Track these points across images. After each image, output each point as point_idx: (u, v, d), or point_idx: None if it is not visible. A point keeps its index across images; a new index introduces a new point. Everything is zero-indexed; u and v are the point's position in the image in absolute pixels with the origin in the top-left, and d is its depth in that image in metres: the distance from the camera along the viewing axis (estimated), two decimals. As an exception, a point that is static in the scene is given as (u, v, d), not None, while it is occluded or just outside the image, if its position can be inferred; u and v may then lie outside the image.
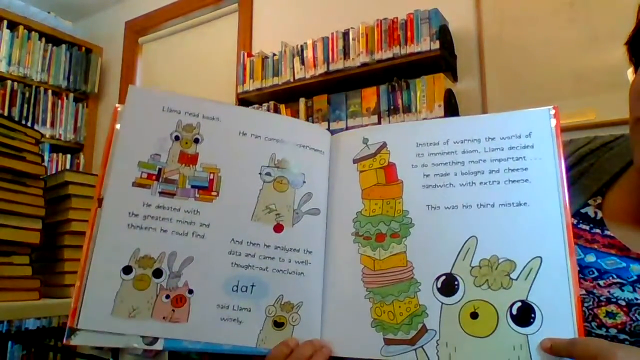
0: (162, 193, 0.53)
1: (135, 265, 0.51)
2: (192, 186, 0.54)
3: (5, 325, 2.34)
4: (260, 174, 0.55)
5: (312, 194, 0.56)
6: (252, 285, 0.52)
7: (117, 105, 0.55)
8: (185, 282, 0.51)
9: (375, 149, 0.56)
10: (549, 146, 0.51)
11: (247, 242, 0.53)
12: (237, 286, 0.52)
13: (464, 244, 0.50)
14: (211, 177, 0.54)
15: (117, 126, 0.54)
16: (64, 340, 0.47)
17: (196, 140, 0.55)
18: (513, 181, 0.50)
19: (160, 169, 0.54)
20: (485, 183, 0.51)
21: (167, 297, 0.50)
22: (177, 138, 0.55)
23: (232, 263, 0.52)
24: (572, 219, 0.59)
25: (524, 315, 0.46)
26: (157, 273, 0.51)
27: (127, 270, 0.50)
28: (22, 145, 0.93)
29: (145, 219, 0.52)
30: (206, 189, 0.54)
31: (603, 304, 0.52)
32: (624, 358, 0.40)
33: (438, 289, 0.49)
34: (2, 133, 0.90)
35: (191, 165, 0.54)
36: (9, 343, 2.33)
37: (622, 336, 0.50)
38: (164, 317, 0.50)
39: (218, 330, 0.50)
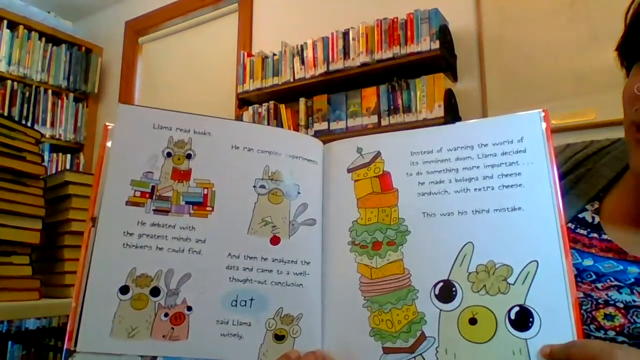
0: (156, 211, 0.52)
1: (132, 284, 0.50)
2: (187, 202, 0.53)
3: (5, 325, 2.34)
4: (254, 187, 0.55)
5: (307, 205, 0.56)
6: (251, 299, 0.52)
7: (107, 124, 0.55)
8: (184, 299, 0.51)
9: (369, 158, 0.56)
10: (540, 150, 0.51)
11: (244, 256, 0.53)
12: (236, 301, 0.51)
13: (461, 250, 0.50)
14: (205, 192, 0.54)
15: (109, 145, 0.54)
16: None
17: (188, 156, 0.55)
18: (507, 186, 0.50)
19: (153, 187, 0.53)
20: (479, 189, 0.51)
21: (166, 315, 0.50)
22: (169, 155, 0.54)
23: (230, 278, 0.52)
24: (570, 224, 0.60)
25: (523, 319, 0.46)
26: (155, 291, 0.50)
27: (124, 290, 0.50)
28: (22, 145, 0.93)
29: (141, 238, 0.51)
30: (201, 205, 0.54)
31: (601, 306, 0.52)
32: (623, 358, 0.40)
33: (436, 296, 0.49)
34: (2, 133, 0.90)
35: (184, 182, 0.54)
36: (9, 343, 2.33)
37: (620, 338, 0.50)
38: (163, 336, 0.49)
39: (219, 346, 0.50)
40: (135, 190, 0.53)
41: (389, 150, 0.56)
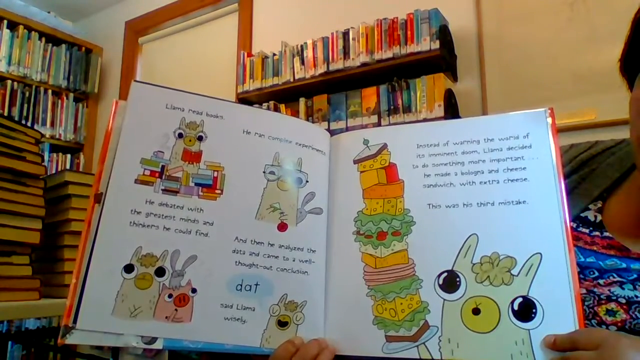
0: (165, 190, 0.52)
1: (137, 263, 0.50)
2: (196, 184, 0.53)
3: (5, 325, 2.34)
4: (264, 172, 0.55)
5: (314, 194, 0.56)
6: (256, 284, 0.52)
7: (116, 100, 0.55)
8: (189, 281, 0.50)
9: (376, 150, 0.57)
10: (546, 146, 0.52)
11: (251, 241, 0.53)
12: (241, 285, 0.51)
13: (465, 241, 0.50)
14: (215, 175, 0.54)
15: (117, 121, 0.53)
16: (59, 340, 0.46)
17: (200, 138, 0.55)
18: (512, 180, 0.52)
19: (163, 166, 0.53)
20: (485, 182, 0.52)
21: (170, 296, 0.50)
22: (180, 135, 0.54)
23: (236, 262, 0.52)
24: (572, 223, 0.60)
25: (526, 310, 0.47)
26: (160, 272, 0.50)
27: (128, 268, 0.49)
28: (22, 145, 0.93)
29: (148, 217, 0.51)
30: (210, 187, 0.54)
31: (603, 302, 0.52)
32: (628, 346, 0.40)
33: (440, 286, 0.50)
34: (2, 133, 0.90)
35: (195, 163, 0.54)
36: (9, 343, 2.33)
37: (621, 334, 0.50)
38: (166, 317, 0.49)
39: (222, 330, 0.50)
40: (145, 169, 0.53)
41: (396, 143, 0.57)
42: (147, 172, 0.53)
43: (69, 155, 3.14)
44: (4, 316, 1.28)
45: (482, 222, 0.51)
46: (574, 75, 1.75)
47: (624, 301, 0.51)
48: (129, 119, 0.54)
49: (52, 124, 3.03)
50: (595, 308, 0.52)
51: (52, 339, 2.48)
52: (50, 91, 3.04)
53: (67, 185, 1.00)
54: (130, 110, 0.54)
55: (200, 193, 0.53)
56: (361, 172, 0.57)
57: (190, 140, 0.55)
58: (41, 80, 3.00)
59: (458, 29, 2.01)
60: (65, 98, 3.11)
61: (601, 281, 0.54)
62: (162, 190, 0.52)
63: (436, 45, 1.88)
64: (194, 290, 0.50)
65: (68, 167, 3.09)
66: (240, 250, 0.52)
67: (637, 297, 0.51)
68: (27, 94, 2.93)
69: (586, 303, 0.53)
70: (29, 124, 2.79)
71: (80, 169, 3.08)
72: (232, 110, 0.57)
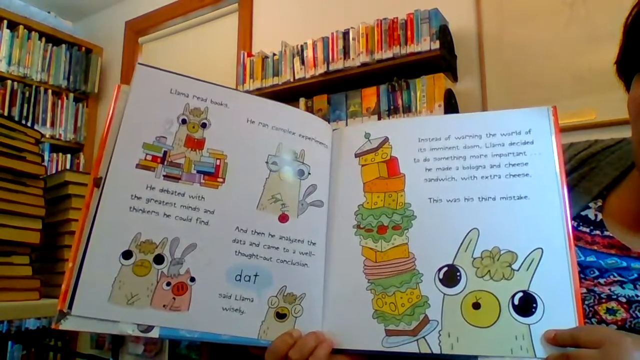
0: (166, 177, 0.51)
1: (136, 250, 0.49)
2: (198, 171, 0.53)
3: (5, 325, 2.34)
4: (266, 162, 0.55)
5: (316, 186, 0.56)
6: (256, 275, 0.51)
7: (119, 84, 0.54)
8: (187, 269, 0.50)
9: (377, 143, 0.57)
10: (548, 142, 0.52)
11: (252, 231, 0.52)
12: (240, 275, 0.51)
13: (466, 235, 0.50)
14: (217, 163, 0.53)
15: (119, 105, 0.53)
16: (53, 324, 0.45)
17: (203, 125, 0.54)
18: (514, 175, 0.52)
19: (165, 152, 0.52)
20: (486, 177, 0.52)
21: (168, 284, 0.49)
22: (184, 121, 0.54)
23: (236, 252, 0.51)
24: (573, 221, 0.60)
25: (526, 305, 0.47)
26: (159, 259, 0.49)
27: (127, 255, 0.48)
28: (22, 145, 0.93)
29: (148, 203, 0.50)
30: (212, 175, 0.53)
31: (604, 301, 0.52)
32: (631, 344, 0.40)
33: (440, 280, 0.50)
34: (2, 133, 0.90)
35: (197, 150, 0.53)
36: (9, 343, 2.33)
37: (623, 332, 0.50)
38: (164, 305, 0.48)
39: (219, 320, 0.49)
40: (147, 154, 0.52)
41: (397, 136, 0.57)
42: (149, 157, 0.52)
43: (69, 155, 3.14)
44: (4, 316, 1.28)
45: (483, 216, 0.51)
46: (574, 75, 1.75)
47: (624, 300, 0.51)
48: (132, 102, 0.52)
49: (52, 124, 3.02)
50: (596, 307, 0.52)
51: (52, 339, 2.48)
52: (50, 91, 3.04)
53: (67, 185, 1.00)
54: (133, 94, 0.53)
55: (202, 181, 0.52)
56: (362, 165, 0.57)
57: (193, 127, 0.54)
58: (41, 80, 3.00)
59: (458, 29, 2.01)
60: (65, 98, 3.11)
61: (602, 280, 0.54)
62: (163, 176, 0.51)
63: (436, 45, 1.88)
64: (192, 279, 0.50)
65: (68, 167, 3.08)
66: (241, 240, 0.52)
67: (637, 296, 0.51)
68: (27, 94, 2.93)
69: (586, 302, 0.53)
70: (29, 124, 2.79)
71: (80, 169, 3.08)
72: (237, 98, 0.57)
